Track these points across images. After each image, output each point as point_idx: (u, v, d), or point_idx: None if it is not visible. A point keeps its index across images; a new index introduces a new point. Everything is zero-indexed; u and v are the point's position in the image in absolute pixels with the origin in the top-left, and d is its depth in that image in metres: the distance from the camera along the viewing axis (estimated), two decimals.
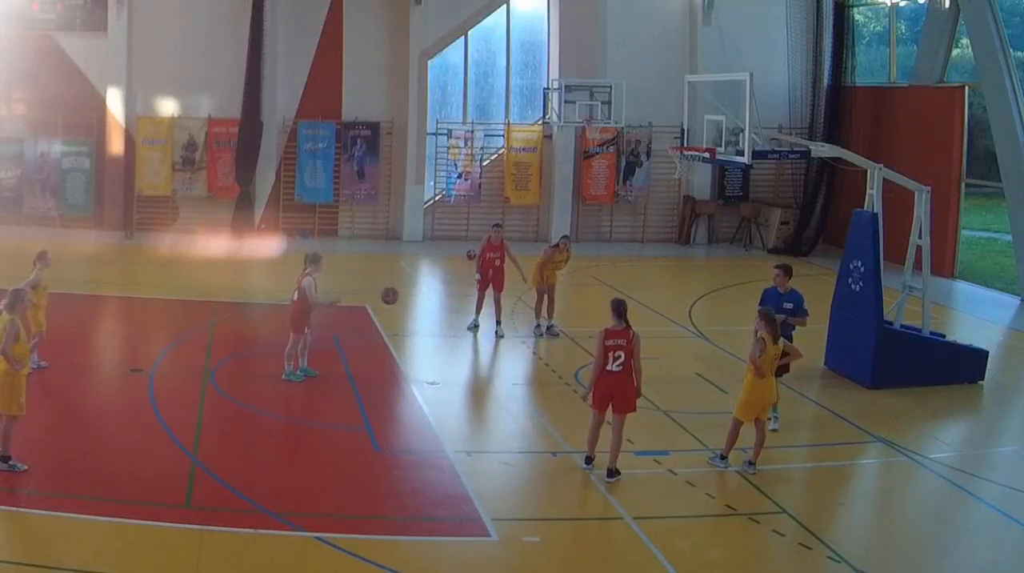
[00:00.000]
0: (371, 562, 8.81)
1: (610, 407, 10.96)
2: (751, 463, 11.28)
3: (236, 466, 10.84)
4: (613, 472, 10.87)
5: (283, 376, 13.93)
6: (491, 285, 17.00)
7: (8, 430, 10.26)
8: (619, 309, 10.95)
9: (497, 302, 17.08)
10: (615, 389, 10.83)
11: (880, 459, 12.20)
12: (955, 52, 24.63)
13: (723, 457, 11.46)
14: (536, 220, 27.42)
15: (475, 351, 16.74)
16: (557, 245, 17.52)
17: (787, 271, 13.27)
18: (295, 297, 14.13)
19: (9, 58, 24.51)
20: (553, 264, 17.16)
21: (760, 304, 12.32)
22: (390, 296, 14.62)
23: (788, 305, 12.83)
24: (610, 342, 10.80)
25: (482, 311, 17.18)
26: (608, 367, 10.80)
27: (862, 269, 14.96)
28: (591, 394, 11.04)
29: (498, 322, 17.02)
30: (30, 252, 14.04)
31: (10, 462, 10.21)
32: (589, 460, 11.16)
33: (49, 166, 25.12)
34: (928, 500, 11.15)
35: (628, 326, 10.91)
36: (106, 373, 14.32)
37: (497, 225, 17.76)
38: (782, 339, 11.51)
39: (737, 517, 10.15)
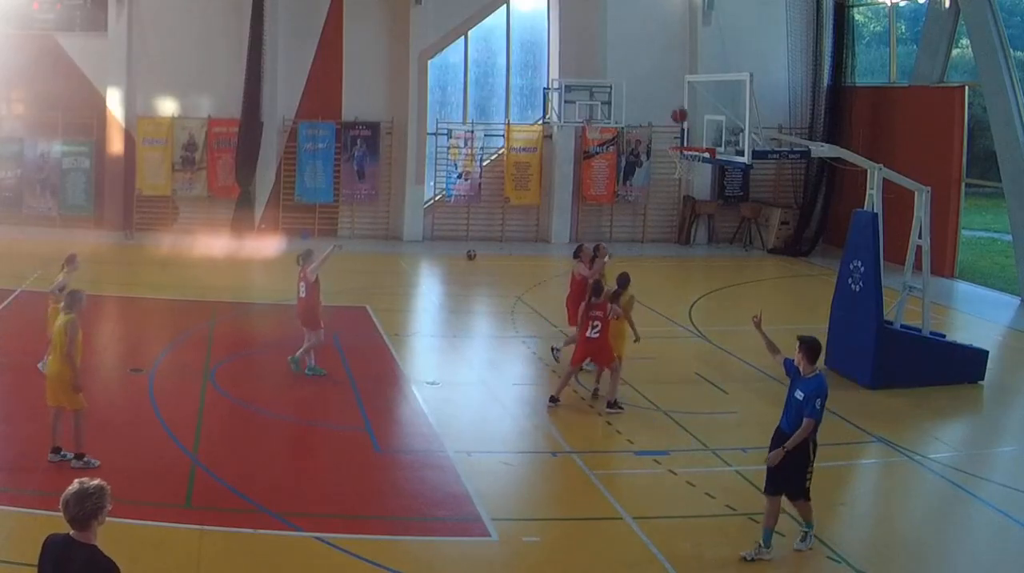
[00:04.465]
0: (371, 562, 8.81)
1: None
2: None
3: (236, 466, 10.84)
4: (614, 404, 13.04)
5: (307, 372, 14.24)
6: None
7: (81, 427, 10.45)
8: (597, 289, 13.14)
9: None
10: (593, 351, 13.13)
11: (880, 459, 12.19)
12: (955, 52, 24.63)
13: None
14: (536, 220, 27.44)
15: (475, 351, 16.74)
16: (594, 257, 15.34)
17: (807, 349, 9.33)
18: (301, 293, 14.24)
19: (9, 58, 24.52)
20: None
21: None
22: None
23: (799, 394, 9.19)
24: (594, 313, 12.96)
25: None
26: (588, 334, 12.95)
27: (862, 269, 14.95)
28: (571, 351, 13.55)
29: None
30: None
31: (84, 459, 10.37)
32: (554, 399, 13.23)
33: (49, 166, 25.13)
34: (928, 500, 11.15)
35: (605, 300, 13.12)
36: (106, 373, 14.30)
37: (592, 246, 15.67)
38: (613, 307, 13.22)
39: (737, 517, 10.14)
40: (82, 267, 14.21)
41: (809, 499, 9.30)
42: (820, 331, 15.80)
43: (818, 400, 9.05)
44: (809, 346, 9.33)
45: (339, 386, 14.01)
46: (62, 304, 10.80)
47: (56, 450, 10.51)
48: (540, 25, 27.75)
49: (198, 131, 25.68)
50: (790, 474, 9.15)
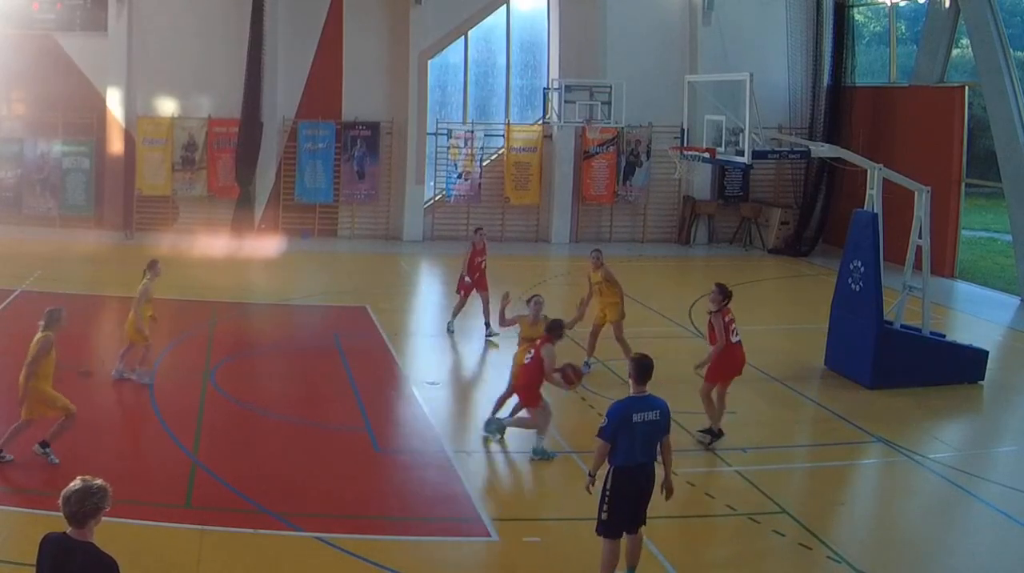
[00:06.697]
0: (371, 562, 8.81)
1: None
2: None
3: (236, 466, 10.84)
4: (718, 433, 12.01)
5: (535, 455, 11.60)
6: (476, 287, 17.14)
7: (19, 431, 10.44)
8: (726, 292, 12.13)
9: (485, 302, 17.08)
10: (741, 358, 12.17)
11: (880, 459, 12.19)
12: (955, 52, 24.63)
13: None
14: (536, 220, 27.44)
15: (474, 351, 16.73)
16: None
17: (633, 368, 8.41)
18: (527, 360, 11.79)
19: (9, 58, 24.52)
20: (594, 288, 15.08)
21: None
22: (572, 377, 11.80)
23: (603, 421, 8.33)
24: (729, 317, 12.05)
25: (460, 313, 17.31)
26: (732, 339, 11.99)
27: (862, 269, 14.95)
28: (707, 367, 12.11)
29: (487, 323, 16.96)
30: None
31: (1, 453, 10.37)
32: (721, 433, 11.94)
33: (49, 166, 25.13)
34: (928, 500, 11.14)
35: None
36: (106, 373, 14.29)
37: (479, 229, 17.95)
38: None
39: (737, 517, 10.14)
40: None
41: (601, 536, 8.32)
42: (820, 331, 15.88)
43: (606, 418, 8.16)
44: (636, 365, 8.36)
45: (339, 386, 14.00)
46: (41, 321, 10.64)
47: (44, 444, 10.53)
48: (540, 25, 27.75)
49: (198, 131, 25.68)
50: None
